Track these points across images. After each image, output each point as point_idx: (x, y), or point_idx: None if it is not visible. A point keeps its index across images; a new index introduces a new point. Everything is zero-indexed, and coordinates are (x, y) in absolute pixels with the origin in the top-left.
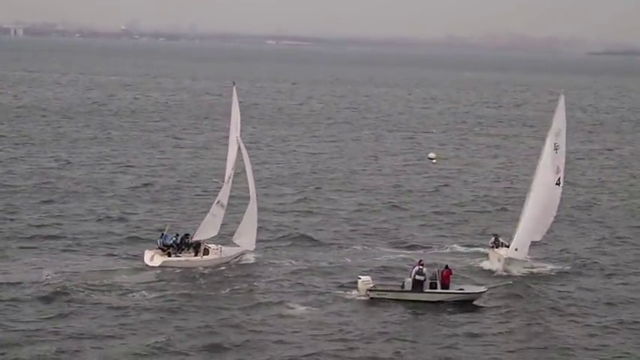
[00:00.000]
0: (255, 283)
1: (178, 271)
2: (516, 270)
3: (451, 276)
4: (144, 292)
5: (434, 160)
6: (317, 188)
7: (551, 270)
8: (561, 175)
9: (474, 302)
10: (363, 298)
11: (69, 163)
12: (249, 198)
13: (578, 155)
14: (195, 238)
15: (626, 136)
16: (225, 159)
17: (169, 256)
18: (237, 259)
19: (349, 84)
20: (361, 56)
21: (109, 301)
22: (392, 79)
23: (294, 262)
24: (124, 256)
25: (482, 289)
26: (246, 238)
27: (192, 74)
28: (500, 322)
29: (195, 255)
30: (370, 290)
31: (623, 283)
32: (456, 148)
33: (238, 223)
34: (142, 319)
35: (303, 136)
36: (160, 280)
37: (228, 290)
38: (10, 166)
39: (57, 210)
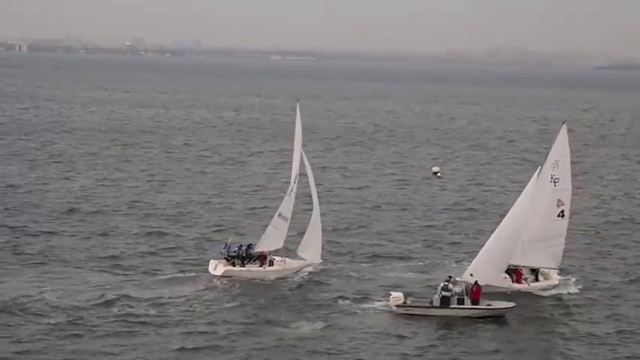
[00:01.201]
0: (302, 297)
1: (240, 281)
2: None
3: (481, 292)
4: (201, 302)
5: (438, 174)
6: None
7: (580, 292)
8: (566, 208)
9: (502, 318)
10: (395, 312)
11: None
12: (312, 211)
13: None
14: (258, 249)
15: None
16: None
17: (234, 266)
18: (301, 272)
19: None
20: (375, 71)
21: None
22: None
23: (353, 275)
24: (192, 264)
25: (510, 304)
26: (310, 251)
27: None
28: (527, 339)
29: (260, 266)
30: (398, 306)
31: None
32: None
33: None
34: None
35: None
36: (218, 290)
37: (279, 303)
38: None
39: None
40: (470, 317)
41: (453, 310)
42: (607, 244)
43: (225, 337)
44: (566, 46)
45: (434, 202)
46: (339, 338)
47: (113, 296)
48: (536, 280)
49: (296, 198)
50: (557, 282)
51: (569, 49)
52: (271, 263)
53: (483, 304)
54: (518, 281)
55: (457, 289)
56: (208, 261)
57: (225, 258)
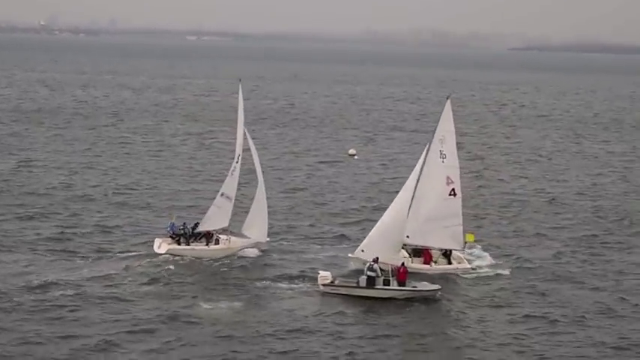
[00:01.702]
0: (231, 276)
1: (181, 259)
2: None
3: (407, 273)
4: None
5: (355, 157)
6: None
7: (507, 275)
8: (456, 186)
9: (428, 300)
10: (322, 292)
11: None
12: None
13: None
14: (201, 229)
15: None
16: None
17: (179, 244)
18: (246, 251)
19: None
20: (289, 52)
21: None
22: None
23: (293, 255)
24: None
25: (435, 287)
26: (255, 229)
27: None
28: (451, 320)
29: (206, 245)
30: (324, 285)
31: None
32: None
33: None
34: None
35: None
36: (154, 269)
37: (207, 282)
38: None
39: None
40: (395, 298)
41: (378, 291)
42: (533, 226)
43: (146, 318)
44: (481, 28)
45: (354, 184)
46: (257, 316)
47: (50, 279)
48: (449, 263)
49: (241, 176)
50: (468, 266)
51: (484, 31)
52: (217, 242)
53: (409, 286)
54: (427, 262)
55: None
56: (153, 239)
57: (170, 236)
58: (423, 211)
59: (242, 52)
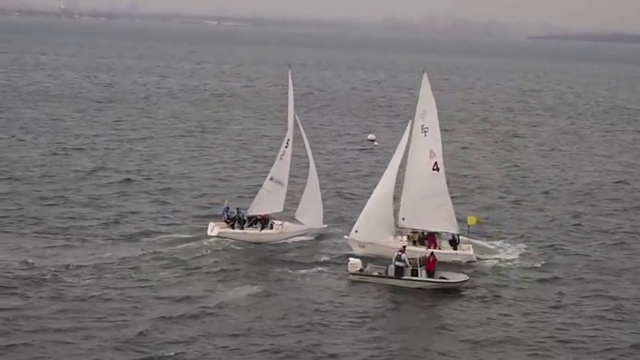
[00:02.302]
0: (267, 261)
1: (230, 243)
2: (360, 250)
3: (436, 263)
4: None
5: (375, 143)
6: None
7: (534, 262)
8: (438, 160)
9: (456, 290)
10: (351, 279)
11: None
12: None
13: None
14: (250, 213)
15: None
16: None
17: (232, 228)
18: (299, 237)
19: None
20: (313, 38)
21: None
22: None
23: (322, 241)
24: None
25: (463, 277)
26: (309, 215)
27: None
28: (479, 312)
29: (262, 229)
30: (353, 274)
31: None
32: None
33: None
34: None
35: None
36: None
37: (241, 266)
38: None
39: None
40: (422, 289)
41: (406, 282)
42: (552, 215)
43: (169, 305)
44: (502, 16)
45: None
46: (283, 304)
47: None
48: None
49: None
50: (471, 253)
51: (505, 19)
52: (272, 227)
53: (438, 276)
54: (429, 247)
55: (413, 260)
56: (207, 223)
57: (224, 221)
58: (412, 187)
59: (263, 37)
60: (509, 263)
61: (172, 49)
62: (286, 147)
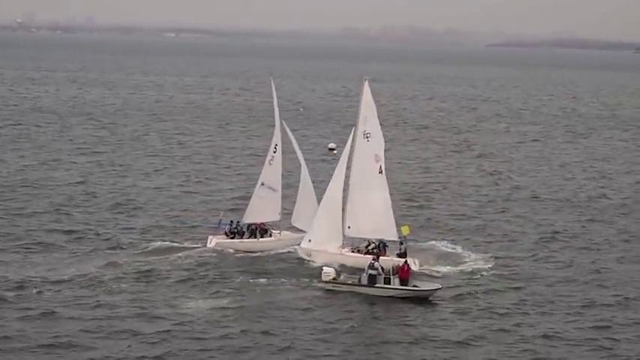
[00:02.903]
0: (242, 270)
1: (232, 253)
2: (309, 259)
3: (410, 271)
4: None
5: (334, 151)
6: None
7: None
8: (382, 163)
9: (429, 299)
10: (324, 288)
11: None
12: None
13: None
14: (245, 221)
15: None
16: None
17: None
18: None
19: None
20: (268, 49)
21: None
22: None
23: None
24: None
25: (436, 285)
26: (306, 220)
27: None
28: (452, 320)
29: (261, 238)
30: (326, 282)
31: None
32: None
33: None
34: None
35: None
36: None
37: (221, 275)
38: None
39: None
40: (395, 297)
41: (379, 290)
42: (522, 222)
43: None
44: (459, 24)
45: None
46: (255, 312)
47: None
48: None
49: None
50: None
51: (462, 27)
52: (270, 236)
53: (411, 285)
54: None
55: (386, 267)
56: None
57: (225, 233)
58: (357, 194)
59: (222, 49)
60: (481, 271)
61: (133, 61)
62: (274, 152)
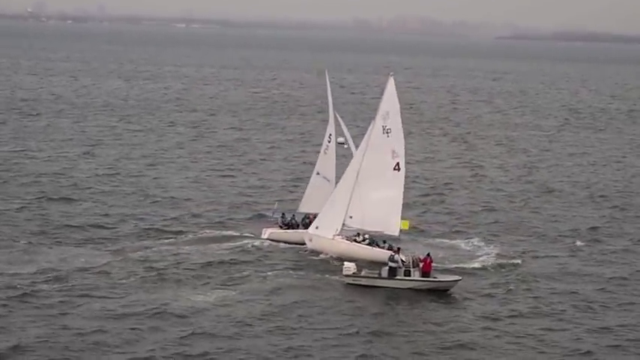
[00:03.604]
0: (265, 263)
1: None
2: (310, 244)
3: (432, 264)
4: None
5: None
6: None
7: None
8: (400, 160)
9: (449, 291)
10: (345, 282)
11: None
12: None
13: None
14: (300, 210)
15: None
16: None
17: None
18: None
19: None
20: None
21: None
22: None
23: None
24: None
25: (455, 277)
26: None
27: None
28: (468, 312)
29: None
30: (347, 276)
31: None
32: None
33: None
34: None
35: None
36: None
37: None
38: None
39: None
40: (416, 289)
41: (399, 282)
42: (533, 218)
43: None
44: (469, 16)
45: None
46: (277, 307)
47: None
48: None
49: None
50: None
51: (472, 19)
52: None
53: (431, 277)
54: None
55: (406, 260)
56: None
57: (279, 225)
58: (366, 187)
59: (234, 40)
60: (496, 264)
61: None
62: (329, 141)
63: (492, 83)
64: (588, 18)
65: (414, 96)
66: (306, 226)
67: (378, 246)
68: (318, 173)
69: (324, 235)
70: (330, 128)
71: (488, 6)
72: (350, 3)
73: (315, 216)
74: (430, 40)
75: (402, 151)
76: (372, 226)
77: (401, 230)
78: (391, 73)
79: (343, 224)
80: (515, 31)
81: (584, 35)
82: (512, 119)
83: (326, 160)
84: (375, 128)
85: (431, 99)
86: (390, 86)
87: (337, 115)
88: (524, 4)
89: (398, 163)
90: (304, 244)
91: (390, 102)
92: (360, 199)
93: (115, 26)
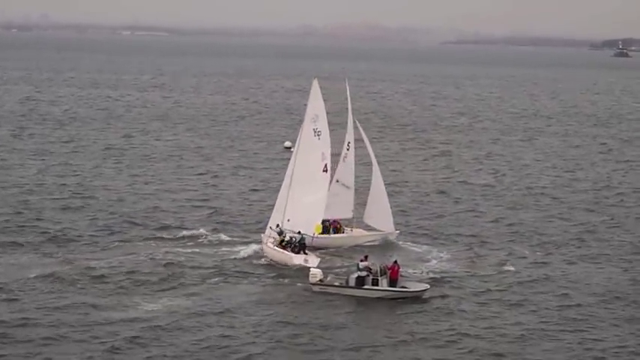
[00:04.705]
0: (228, 271)
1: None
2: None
3: (400, 271)
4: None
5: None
6: None
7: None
8: (328, 162)
9: (416, 299)
10: (312, 290)
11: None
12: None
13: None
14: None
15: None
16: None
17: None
18: (372, 241)
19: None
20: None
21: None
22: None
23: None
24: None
25: (424, 286)
26: (377, 219)
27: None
28: (440, 320)
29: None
30: (313, 284)
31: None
32: None
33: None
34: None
35: None
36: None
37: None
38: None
39: None
40: (383, 298)
41: (367, 291)
42: (511, 221)
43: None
44: (412, 22)
45: None
46: (240, 313)
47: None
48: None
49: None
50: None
51: (415, 25)
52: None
53: (399, 286)
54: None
55: (374, 268)
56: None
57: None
58: (299, 189)
59: (183, 48)
60: (464, 271)
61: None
62: (347, 149)
63: (452, 88)
64: (533, 23)
65: (370, 102)
66: (325, 230)
67: (305, 249)
68: (337, 181)
69: (264, 242)
70: (349, 136)
71: (430, 11)
72: (296, 8)
73: (332, 223)
74: (375, 45)
75: (328, 153)
76: (304, 228)
77: (313, 234)
78: (315, 77)
79: (270, 227)
80: (460, 36)
81: (528, 40)
82: (479, 124)
83: (345, 168)
84: (305, 131)
85: (389, 104)
86: (315, 89)
87: (357, 123)
88: (468, 10)
89: (326, 165)
90: (326, 248)
91: (316, 105)
92: (293, 201)
93: (60, 34)
